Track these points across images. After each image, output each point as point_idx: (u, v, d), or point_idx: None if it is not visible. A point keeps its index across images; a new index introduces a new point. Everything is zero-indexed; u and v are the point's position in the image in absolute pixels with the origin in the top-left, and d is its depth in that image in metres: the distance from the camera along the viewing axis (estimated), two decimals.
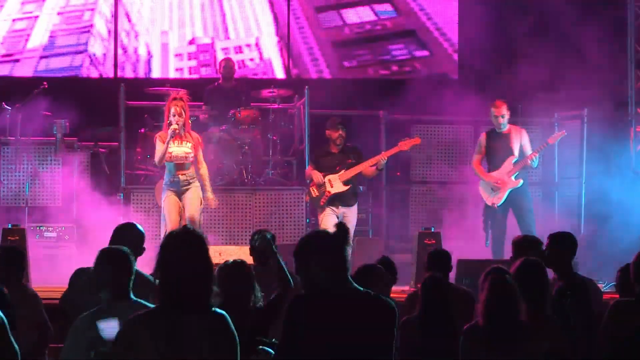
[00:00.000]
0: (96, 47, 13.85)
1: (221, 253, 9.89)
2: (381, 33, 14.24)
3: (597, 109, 12.24)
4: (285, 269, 5.56)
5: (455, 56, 14.07)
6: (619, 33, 12.66)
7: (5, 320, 4.53)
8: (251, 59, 14.11)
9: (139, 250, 5.92)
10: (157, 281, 3.94)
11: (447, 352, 5.41)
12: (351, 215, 10.17)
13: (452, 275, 7.65)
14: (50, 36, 13.81)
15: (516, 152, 10.46)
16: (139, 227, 6.20)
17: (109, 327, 4.59)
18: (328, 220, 9.92)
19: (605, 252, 10.37)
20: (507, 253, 8.84)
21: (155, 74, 13.88)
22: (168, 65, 14.01)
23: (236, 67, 12.70)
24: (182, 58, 14.07)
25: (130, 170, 11.94)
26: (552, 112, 12.53)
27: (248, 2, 14.14)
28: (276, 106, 12.37)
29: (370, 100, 13.02)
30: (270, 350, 5.14)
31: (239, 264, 5.56)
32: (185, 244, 3.95)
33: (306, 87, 12.19)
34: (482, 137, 10.70)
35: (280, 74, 14.03)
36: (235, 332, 3.98)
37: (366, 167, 10.20)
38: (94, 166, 12.04)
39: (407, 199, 12.54)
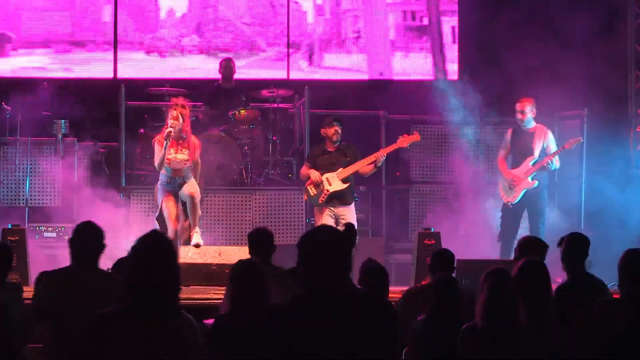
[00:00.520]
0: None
1: (221, 253, 9.92)
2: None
3: (597, 108, 12.24)
4: None
5: (456, 57, 14.06)
6: (619, 33, 12.67)
7: None
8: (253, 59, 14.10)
9: (100, 246, 5.83)
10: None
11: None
12: (349, 215, 10.12)
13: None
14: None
15: (536, 153, 10.46)
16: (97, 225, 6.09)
17: None
18: (326, 222, 9.87)
19: (606, 252, 10.37)
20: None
21: (156, 74, 13.87)
22: (169, 66, 14.00)
23: (236, 67, 12.69)
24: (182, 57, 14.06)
25: (130, 170, 11.95)
26: (552, 111, 12.52)
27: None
28: (276, 106, 12.37)
29: (370, 100, 13.02)
30: None
31: (253, 263, 5.54)
32: (155, 250, 3.94)
33: (306, 87, 12.19)
34: (508, 133, 10.74)
35: (280, 73, 14.02)
36: (198, 343, 3.98)
37: (365, 164, 10.16)
38: (94, 166, 12.03)
39: (407, 199, 12.54)
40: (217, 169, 11.66)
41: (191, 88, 12.57)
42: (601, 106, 12.25)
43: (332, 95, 12.90)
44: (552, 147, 10.53)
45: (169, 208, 9.72)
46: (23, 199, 11.81)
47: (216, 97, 12.28)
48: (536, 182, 10.47)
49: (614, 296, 6.18)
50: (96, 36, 13.82)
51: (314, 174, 10.13)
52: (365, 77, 14.03)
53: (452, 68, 14.05)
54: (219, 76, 12.60)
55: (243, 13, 14.11)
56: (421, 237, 10.11)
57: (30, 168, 11.83)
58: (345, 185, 10.10)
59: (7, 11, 13.67)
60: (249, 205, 11.60)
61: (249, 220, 11.48)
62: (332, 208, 10.09)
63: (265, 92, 12.40)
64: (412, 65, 14.13)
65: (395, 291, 9.03)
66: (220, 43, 14.02)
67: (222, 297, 6.08)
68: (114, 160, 12.02)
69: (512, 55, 12.06)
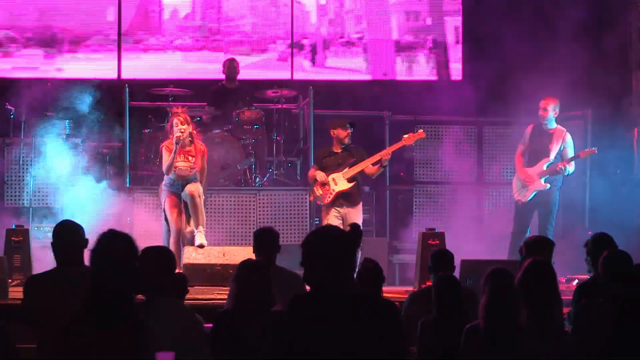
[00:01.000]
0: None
1: (225, 253, 9.92)
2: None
3: (600, 109, 12.23)
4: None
5: (460, 58, 14.05)
6: (623, 35, 12.66)
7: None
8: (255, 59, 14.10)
9: (83, 242, 5.81)
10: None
11: None
12: (356, 215, 10.11)
13: (455, 276, 7.65)
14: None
15: (552, 155, 10.44)
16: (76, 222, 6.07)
17: None
18: (333, 222, 9.85)
19: None
20: None
21: (159, 74, 13.87)
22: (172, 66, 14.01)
23: (240, 67, 12.69)
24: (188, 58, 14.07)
25: (135, 171, 11.95)
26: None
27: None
28: (280, 106, 12.37)
29: (373, 101, 13.01)
30: None
31: (258, 264, 5.53)
32: (113, 246, 3.94)
33: (310, 87, 12.18)
34: (528, 129, 10.73)
35: (284, 74, 14.02)
36: (137, 348, 3.99)
37: (370, 163, 10.15)
38: (97, 166, 12.03)
39: (411, 199, 12.53)
40: (221, 169, 11.67)
41: (195, 88, 12.58)
42: (605, 106, 12.24)
43: (335, 96, 12.90)
44: (570, 151, 10.50)
45: (171, 208, 9.76)
46: (27, 200, 11.82)
47: (220, 98, 12.29)
48: (548, 185, 10.46)
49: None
50: (100, 36, 13.82)
51: (320, 175, 10.13)
52: (368, 77, 14.02)
53: (456, 68, 14.04)
54: (222, 76, 12.60)
55: (246, 13, 14.11)
56: (425, 237, 10.10)
57: (34, 168, 11.84)
58: (351, 185, 10.09)
59: (13, 11, 13.68)
60: (253, 205, 11.60)
61: (253, 220, 11.47)
62: (339, 208, 10.08)
63: (269, 93, 12.40)
64: (415, 66, 14.12)
65: (399, 291, 9.06)
66: (223, 43, 14.02)
67: (226, 297, 6.08)
68: (117, 160, 12.02)
69: (515, 56, 12.05)
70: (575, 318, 5.20)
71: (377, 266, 6.59)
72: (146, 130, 12.04)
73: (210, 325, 5.42)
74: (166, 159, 9.76)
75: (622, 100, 12.51)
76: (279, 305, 5.29)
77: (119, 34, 13.80)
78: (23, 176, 11.88)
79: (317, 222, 11.51)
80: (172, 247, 9.72)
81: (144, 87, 12.67)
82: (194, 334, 5.11)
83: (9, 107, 11.81)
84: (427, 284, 8.22)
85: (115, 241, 3.98)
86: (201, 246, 9.74)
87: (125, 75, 13.69)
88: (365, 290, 5.15)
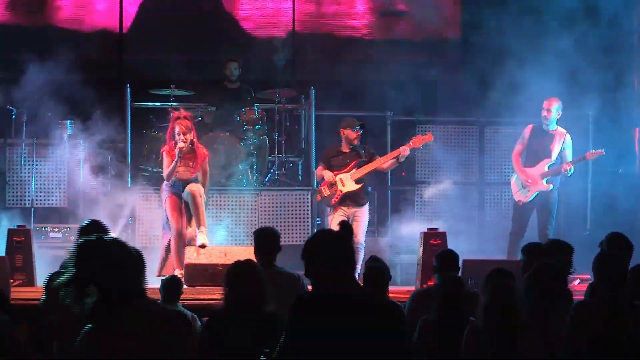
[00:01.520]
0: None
1: (227, 253, 9.92)
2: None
3: (602, 109, 12.22)
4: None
5: (460, 57, 14.05)
6: (625, 35, 12.66)
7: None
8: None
9: None
10: None
11: None
12: (362, 215, 10.15)
13: None
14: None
15: (554, 156, 10.43)
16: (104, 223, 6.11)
17: None
18: (338, 221, 9.85)
19: None
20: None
21: (161, 74, 13.87)
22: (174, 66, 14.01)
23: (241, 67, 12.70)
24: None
25: (136, 171, 11.96)
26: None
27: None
28: (281, 107, 12.36)
29: (376, 101, 13.00)
30: None
31: (250, 264, 5.52)
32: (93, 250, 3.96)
33: (312, 87, 12.18)
34: (527, 129, 10.69)
35: (286, 74, 14.01)
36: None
37: (380, 164, 10.18)
38: (99, 167, 12.04)
39: (412, 199, 12.53)
40: (223, 169, 11.66)
41: (196, 89, 12.57)
42: (606, 106, 12.23)
43: (337, 96, 12.88)
44: (569, 152, 10.49)
45: (172, 208, 9.77)
46: (29, 200, 11.83)
47: (221, 98, 12.28)
48: (551, 185, 10.45)
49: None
50: (102, 36, 13.83)
51: (328, 175, 10.14)
52: (371, 77, 14.01)
53: (456, 67, 14.03)
54: (224, 77, 12.60)
55: (248, 14, 14.12)
56: (427, 237, 10.10)
57: (36, 169, 11.85)
58: (359, 186, 10.11)
59: None
60: (255, 205, 11.59)
61: (255, 220, 11.47)
62: (345, 208, 10.10)
63: (270, 93, 12.39)
64: (416, 66, 14.12)
65: (401, 291, 9.04)
66: (225, 44, 14.03)
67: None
68: (119, 160, 12.02)
69: (517, 56, 12.04)
70: (570, 319, 5.20)
71: (383, 265, 6.59)
72: (147, 131, 12.04)
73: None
74: (167, 164, 9.75)
75: (624, 100, 12.50)
76: (273, 305, 5.29)
77: (121, 34, 13.80)
78: (25, 176, 11.89)
79: (319, 222, 11.52)
80: (172, 247, 9.73)
81: (145, 87, 12.66)
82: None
83: (11, 107, 11.82)
84: (429, 283, 8.23)
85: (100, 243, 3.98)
86: (203, 246, 9.74)
87: (126, 75, 13.68)
88: (368, 291, 5.14)
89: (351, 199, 10.12)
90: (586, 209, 12.21)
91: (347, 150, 10.24)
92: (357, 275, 7.43)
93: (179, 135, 9.63)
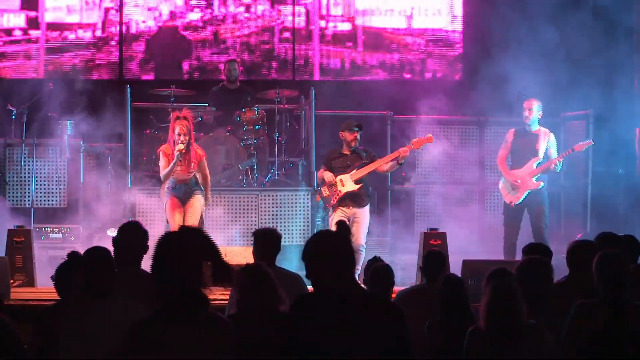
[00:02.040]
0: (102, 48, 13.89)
1: (226, 254, 9.91)
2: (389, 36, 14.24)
3: (602, 109, 12.22)
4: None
5: (461, 58, 14.05)
6: (625, 34, 12.65)
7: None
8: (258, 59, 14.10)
9: (143, 248, 5.98)
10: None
11: None
12: (362, 216, 10.15)
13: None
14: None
15: (541, 154, 10.43)
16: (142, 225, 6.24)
17: None
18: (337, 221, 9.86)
19: None
20: (519, 253, 8.83)
21: (161, 74, 13.88)
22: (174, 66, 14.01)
23: (240, 67, 12.69)
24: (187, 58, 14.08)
25: (136, 171, 11.95)
26: (558, 111, 12.51)
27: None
28: (282, 107, 12.36)
29: (376, 101, 13.00)
30: None
31: (259, 267, 5.49)
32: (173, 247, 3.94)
33: (312, 87, 12.18)
34: (509, 133, 10.71)
35: (286, 74, 14.02)
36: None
37: (378, 165, 10.18)
38: (99, 167, 12.04)
39: (413, 200, 12.53)
40: (223, 169, 11.66)
41: (196, 89, 12.57)
42: (606, 106, 12.23)
43: (337, 96, 12.88)
44: (554, 151, 10.50)
45: (172, 211, 9.77)
46: (29, 200, 11.82)
47: (221, 98, 12.29)
48: (541, 183, 10.45)
49: None
50: (102, 36, 13.83)
51: (328, 176, 10.15)
52: (371, 77, 14.01)
53: (456, 68, 14.03)
54: (223, 77, 12.60)
55: (249, 15, 14.12)
56: (427, 238, 10.11)
57: (36, 169, 11.85)
58: (358, 187, 10.11)
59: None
60: (255, 206, 11.59)
61: (255, 221, 11.47)
62: (345, 209, 10.10)
63: (270, 93, 12.40)
64: (416, 66, 14.12)
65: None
66: (225, 43, 14.02)
67: (227, 297, 6.05)
68: (119, 161, 12.02)
69: (517, 56, 12.04)
70: (571, 319, 5.19)
71: (386, 266, 6.58)
72: (148, 131, 12.04)
73: None
74: (163, 164, 9.71)
75: (624, 100, 12.50)
76: (285, 304, 5.27)
77: (121, 34, 13.81)
78: (25, 177, 11.89)
79: (319, 223, 11.52)
80: None
81: (145, 87, 12.66)
82: None
83: (11, 107, 11.81)
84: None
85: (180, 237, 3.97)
86: None
87: (126, 75, 13.69)
88: (368, 291, 5.14)
89: (351, 200, 10.12)
90: (586, 210, 12.20)
91: (348, 152, 10.26)
92: (357, 277, 7.45)
93: (179, 136, 9.60)
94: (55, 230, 11.43)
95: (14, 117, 11.88)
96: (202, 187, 9.85)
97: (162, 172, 9.75)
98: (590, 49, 12.24)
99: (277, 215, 11.58)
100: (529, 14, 12.82)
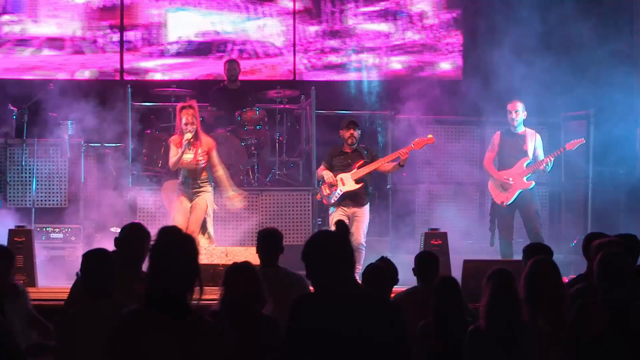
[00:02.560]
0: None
1: (228, 254, 9.92)
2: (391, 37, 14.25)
3: (603, 108, 12.22)
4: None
5: (461, 57, 14.05)
6: (626, 34, 12.65)
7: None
8: (258, 60, 14.11)
9: (145, 249, 5.99)
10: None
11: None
12: (362, 215, 10.16)
13: (458, 276, 7.64)
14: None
15: (530, 154, 10.44)
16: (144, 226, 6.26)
17: None
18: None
19: None
20: (516, 252, 8.84)
21: (162, 75, 13.88)
22: (173, 66, 14.01)
23: (241, 68, 12.70)
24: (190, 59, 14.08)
25: (137, 171, 11.96)
26: (558, 112, 12.52)
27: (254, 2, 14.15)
28: (282, 107, 12.37)
29: (377, 101, 13.01)
30: None
31: (245, 265, 5.53)
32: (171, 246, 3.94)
33: (312, 87, 12.19)
34: (496, 136, 10.71)
35: (287, 74, 14.02)
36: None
37: (381, 164, 10.18)
38: (100, 167, 12.05)
39: (413, 199, 12.53)
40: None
41: (197, 89, 12.58)
42: (607, 106, 12.23)
43: (338, 96, 12.89)
44: (540, 151, 10.51)
45: (177, 210, 9.81)
46: (29, 200, 11.83)
47: (222, 98, 12.30)
48: (533, 182, 10.46)
49: None
50: (103, 37, 13.83)
51: (328, 175, 10.16)
52: (371, 77, 14.01)
53: (456, 67, 14.03)
54: (224, 77, 12.60)
55: (250, 15, 14.12)
56: (428, 237, 10.11)
57: (37, 169, 11.85)
58: (359, 186, 10.12)
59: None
60: (256, 205, 11.60)
61: (256, 220, 11.47)
62: (345, 208, 10.12)
63: (271, 93, 12.41)
64: (416, 65, 14.12)
65: (398, 292, 9.03)
66: (226, 43, 14.03)
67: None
68: (120, 160, 12.03)
69: (517, 56, 12.05)
70: (571, 318, 5.19)
71: (388, 266, 6.57)
72: (148, 131, 12.05)
73: None
74: (173, 153, 9.79)
75: (625, 100, 12.50)
76: (270, 306, 5.29)
77: (121, 35, 13.81)
78: (26, 177, 11.89)
79: (320, 222, 11.53)
80: None
81: (146, 87, 12.67)
82: None
83: (12, 107, 11.82)
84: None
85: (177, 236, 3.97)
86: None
87: (127, 75, 13.69)
88: (368, 291, 5.14)
89: (351, 199, 10.13)
90: (587, 210, 12.20)
91: (349, 151, 10.27)
92: (357, 276, 7.45)
93: (186, 125, 9.69)
94: (56, 230, 11.44)
95: (14, 117, 11.88)
96: (214, 183, 9.88)
97: (171, 161, 9.80)
98: (591, 49, 12.24)
99: (277, 215, 11.59)
100: (528, 14, 12.82)
